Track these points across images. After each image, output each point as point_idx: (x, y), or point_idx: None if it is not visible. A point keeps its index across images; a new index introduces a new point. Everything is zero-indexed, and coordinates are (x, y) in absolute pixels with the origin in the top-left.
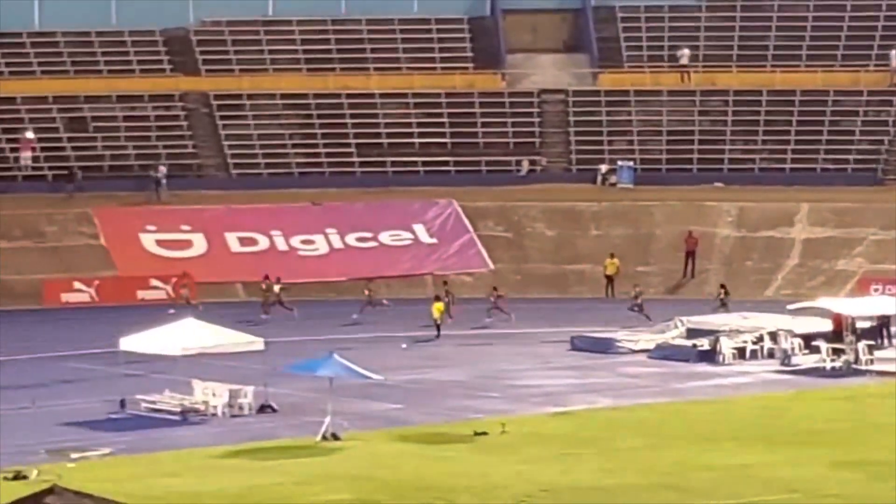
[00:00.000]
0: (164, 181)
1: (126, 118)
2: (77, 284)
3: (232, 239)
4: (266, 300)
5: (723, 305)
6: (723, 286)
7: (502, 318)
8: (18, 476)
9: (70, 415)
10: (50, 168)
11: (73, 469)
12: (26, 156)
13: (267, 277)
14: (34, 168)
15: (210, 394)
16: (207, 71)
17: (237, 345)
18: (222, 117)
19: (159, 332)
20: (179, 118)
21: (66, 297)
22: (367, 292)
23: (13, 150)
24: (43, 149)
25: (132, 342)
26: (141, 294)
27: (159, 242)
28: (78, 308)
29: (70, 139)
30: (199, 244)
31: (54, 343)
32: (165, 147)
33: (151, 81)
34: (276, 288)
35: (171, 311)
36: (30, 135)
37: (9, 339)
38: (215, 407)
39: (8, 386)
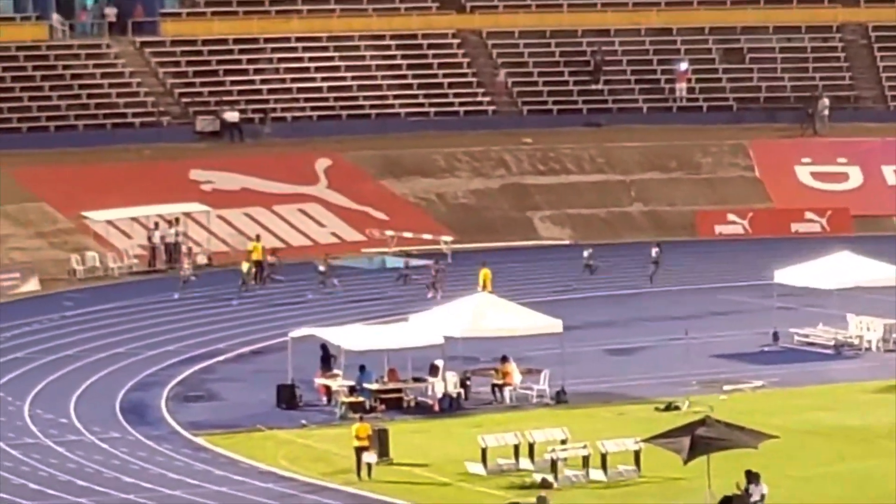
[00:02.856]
0: (825, 113)
1: (782, 49)
2: (730, 216)
3: (888, 172)
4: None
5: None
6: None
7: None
8: (670, 407)
9: (722, 347)
10: (705, 100)
11: (725, 401)
12: (681, 87)
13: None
14: (689, 99)
15: (864, 328)
16: (867, 1)
17: (888, 279)
18: (881, 49)
19: (814, 266)
20: (837, 50)
21: (720, 229)
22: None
23: (668, 80)
24: (698, 80)
25: (786, 275)
26: (795, 227)
27: (814, 175)
28: (731, 240)
29: (725, 70)
30: (855, 177)
31: (707, 275)
32: (822, 79)
33: (810, 13)
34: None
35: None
36: (684, 66)
37: (663, 271)
38: (869, 341)
39: (661, 317)
